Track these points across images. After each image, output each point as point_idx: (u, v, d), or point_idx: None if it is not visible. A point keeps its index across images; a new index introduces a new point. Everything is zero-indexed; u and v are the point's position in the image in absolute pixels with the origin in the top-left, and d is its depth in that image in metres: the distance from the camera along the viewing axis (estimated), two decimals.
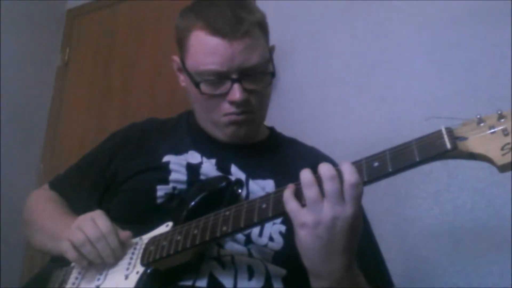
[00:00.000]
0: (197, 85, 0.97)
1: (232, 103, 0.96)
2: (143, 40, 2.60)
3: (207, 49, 0.94)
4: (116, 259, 0.90)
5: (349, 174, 0.71)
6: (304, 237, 0.72)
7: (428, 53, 1.80)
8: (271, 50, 1.05)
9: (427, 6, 1.84)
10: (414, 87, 1.79)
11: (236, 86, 0.94)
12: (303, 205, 0.73)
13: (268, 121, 1.25)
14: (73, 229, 0.90)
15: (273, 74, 1.00)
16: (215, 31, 0.92)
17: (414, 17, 1.87)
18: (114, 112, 2.53)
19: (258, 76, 0.97)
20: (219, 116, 0.99)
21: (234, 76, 0.94)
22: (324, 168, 0.72)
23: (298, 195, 0.74)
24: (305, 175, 0.74)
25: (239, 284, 0.87)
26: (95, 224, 0.89)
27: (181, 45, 1.01)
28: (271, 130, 1.17)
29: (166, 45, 2.10)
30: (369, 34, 1.95)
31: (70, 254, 0.89)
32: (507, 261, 1.46)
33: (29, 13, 2.70)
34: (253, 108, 0.99)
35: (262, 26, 0.99)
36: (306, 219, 0.71)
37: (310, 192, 0.72)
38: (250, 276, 0.88)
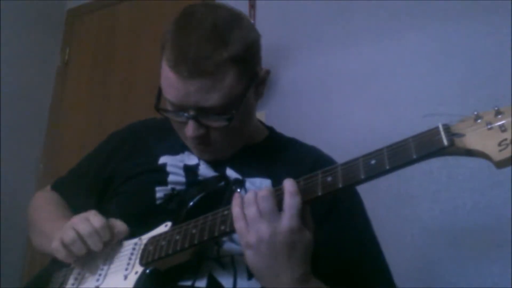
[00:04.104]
0: (157, 108, 0.96)
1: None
2: (143, 40, 2.60)
3: (167, 80, 0.92)
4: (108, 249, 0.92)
5: (289, 185, 0.75)
6: (250, 257, 0.76)
7: (428, 52, 1.80)
8: (263, 76, 0.99)
9: (427, 6, 1.84)
10: (414, 86, 1.79)
11: (190, 123, 0.91)
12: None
13: (268, 121, 1.25)
14: (65, 228, 0.90)
15: (230, 120, 0.91)
16: (174, 66, 0.89)
17: (414, 17, 1.87)
18: (114, 112, 2.53)
19: (215, 116, 0.91)
20: (184, 138, 0.99)
21: (191, 113, 0.91)
22: (262, 190, 0.77)
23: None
24: (248, 195, 0.77)
25: (239, 284, 0.87)
26: (88, 221, 0.89)
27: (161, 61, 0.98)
28: (270, 130, 1.14)
29: None
30: (369, 34, 1.95)
31: (59, 253, 0.89)
32: (507, 261, 1.46)
33: (29, 13, 2.70)
34: (213, 142, 0.96)
35: (238, 61, 0.89)
36: (250, 239, 0.75)
37: (248, 211, 0.76)
38: (250, 276, 0.87)
